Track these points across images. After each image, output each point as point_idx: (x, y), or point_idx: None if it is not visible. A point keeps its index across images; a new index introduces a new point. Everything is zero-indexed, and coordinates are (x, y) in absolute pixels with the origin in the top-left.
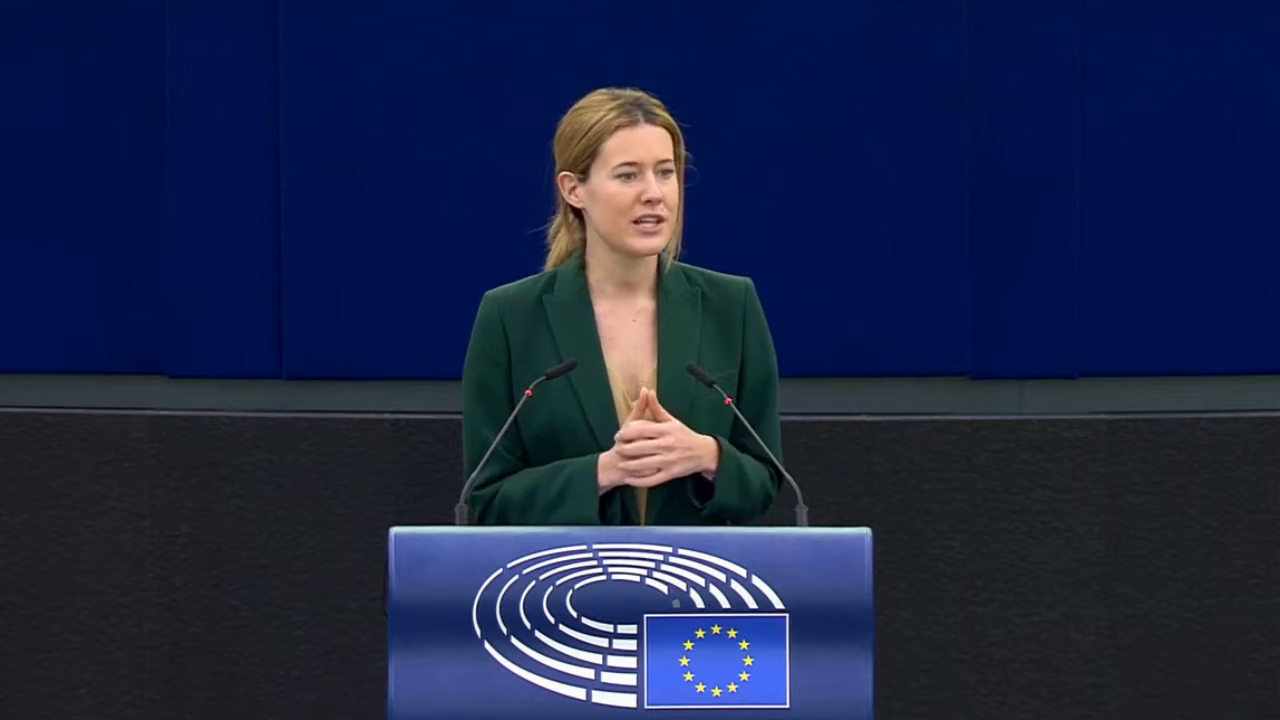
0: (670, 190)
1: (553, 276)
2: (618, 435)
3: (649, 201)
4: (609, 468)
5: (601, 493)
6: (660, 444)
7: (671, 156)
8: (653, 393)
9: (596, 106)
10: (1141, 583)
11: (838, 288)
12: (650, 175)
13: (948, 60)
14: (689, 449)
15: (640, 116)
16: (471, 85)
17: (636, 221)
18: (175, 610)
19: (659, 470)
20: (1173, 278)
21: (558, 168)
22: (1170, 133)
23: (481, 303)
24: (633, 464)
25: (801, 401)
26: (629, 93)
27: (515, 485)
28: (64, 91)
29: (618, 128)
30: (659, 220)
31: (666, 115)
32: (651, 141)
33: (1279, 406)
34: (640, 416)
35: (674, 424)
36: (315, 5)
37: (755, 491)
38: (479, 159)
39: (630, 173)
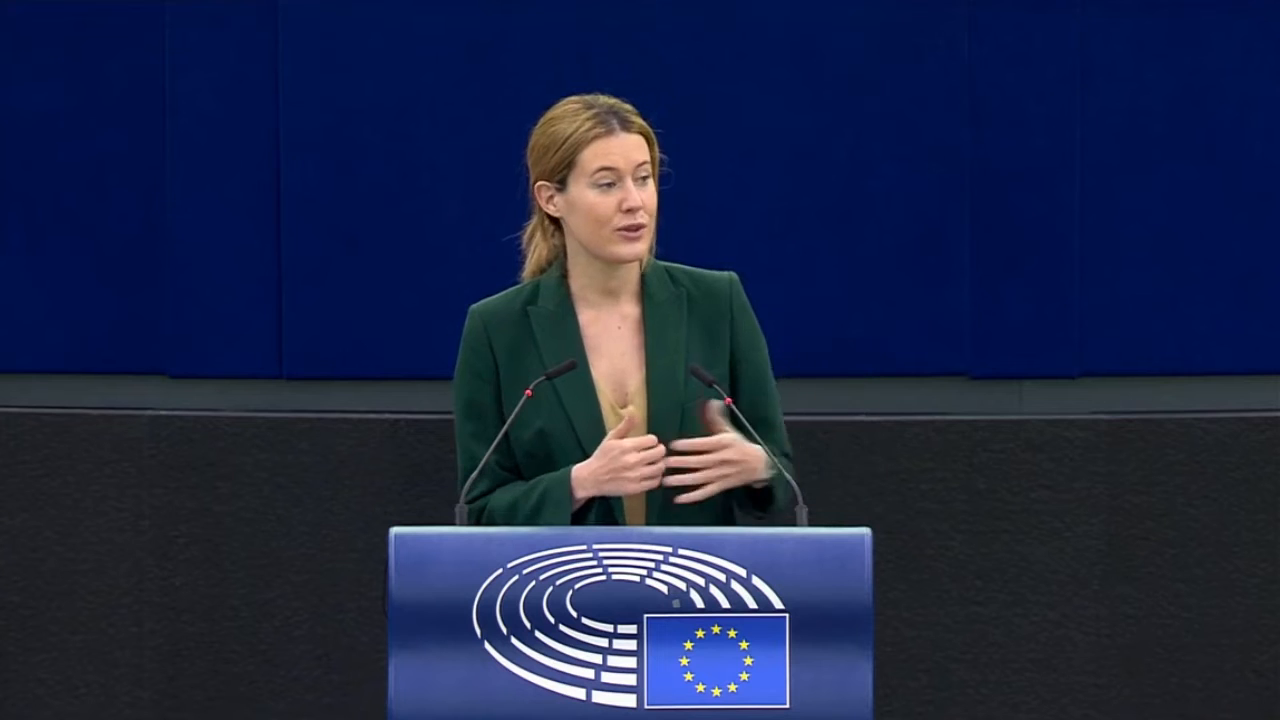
0: (649, 195)
1: (535, 286)
2: (674, 445)
3: (630, 210)
4: (585, 482)
5: (577, 506)
6: (721, 456)
7: (648, 159)
8: (715, 403)
9: (571, 116)
10: (1141, 583)
11: (838, 288)
12: (629, 183)
13: (948, 60)
14: (744, 462)
15: (616, 125)
16: (472, 85)
17: (618, 229)
18: (175, 610)
19: (709, 484)
20: (1173, 277)
21: (533, 177)
22: (1170, 132)
23: (467, 317)
24: (675, 479)
25: (801, 401)
26: (603, 100)
27: (499, 499)
28: (64, 91)
29: (595, 137)
30: (639, 227)
31: (641, 121)
32: (629, 148)
33: (1279, 406)
34: (628, 432)
35: (731, 436)
36: (315, 5)
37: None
38: (479, 159)
39: (609, 181)
